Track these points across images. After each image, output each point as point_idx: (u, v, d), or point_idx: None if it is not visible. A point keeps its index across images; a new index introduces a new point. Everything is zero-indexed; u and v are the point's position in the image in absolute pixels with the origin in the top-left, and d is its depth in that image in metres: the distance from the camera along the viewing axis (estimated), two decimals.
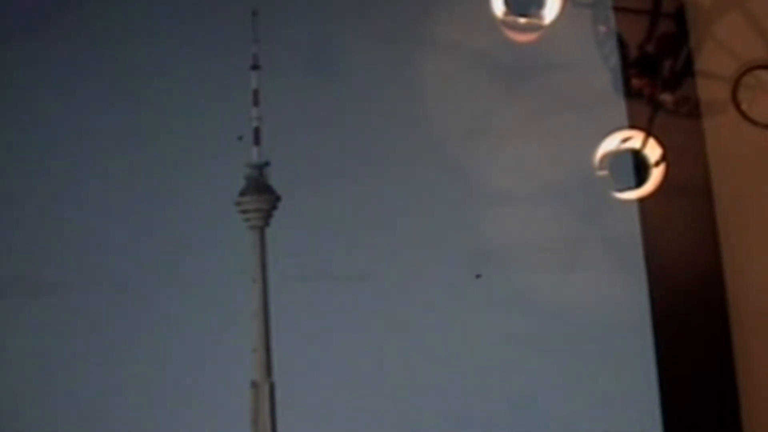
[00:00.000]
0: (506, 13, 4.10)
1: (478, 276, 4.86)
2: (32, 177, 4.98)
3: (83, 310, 4.93)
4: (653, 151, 4.10)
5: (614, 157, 4.15)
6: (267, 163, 5.24)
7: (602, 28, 4.15)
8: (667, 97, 4.16)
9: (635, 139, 4.09)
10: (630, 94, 4.22)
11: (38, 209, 4.97)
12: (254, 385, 5.18)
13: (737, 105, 4.16)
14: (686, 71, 4.16)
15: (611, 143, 4.11)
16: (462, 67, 4.55)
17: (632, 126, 4.16)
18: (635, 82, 4.14)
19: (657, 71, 4.14)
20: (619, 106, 4.20)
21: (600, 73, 4.16)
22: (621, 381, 4.68)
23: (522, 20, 4.10)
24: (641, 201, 4.31)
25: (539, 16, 4.09)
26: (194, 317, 5.00)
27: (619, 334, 4.63)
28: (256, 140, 5.24)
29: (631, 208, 4.36)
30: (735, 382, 4.28)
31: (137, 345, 4.96)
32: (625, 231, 4.45)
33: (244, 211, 5.23)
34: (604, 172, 4.12)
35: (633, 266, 4.44)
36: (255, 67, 5.16)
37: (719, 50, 4.17)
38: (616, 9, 4.18)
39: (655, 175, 4.11)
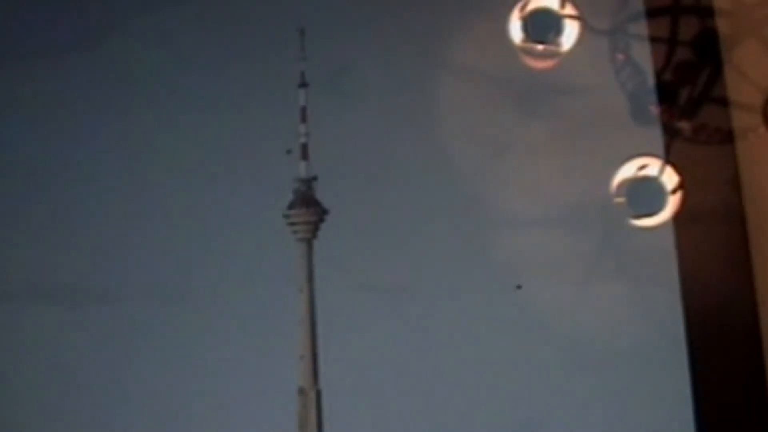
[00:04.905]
0: (524, 40, 4.16)
1: (518, 287, 4.94)
2: (81, 186, 5.17)
3: (130, 319, 5.11)
4: (671, 179, 4.13)
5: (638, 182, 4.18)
6: (315, 178, 5.38)
7: (620, 56, 4.18)
8: (684, 125, 4.18)
9: (652, 166, 4.13)
10: (653, 121, 4.26)
11: (89, 218, 5.17)
12: (301, 391, 5.32)
13: None
14: (704, 98, 4.17)
15: (628, 170, 4.15)
16: (487, 91, 4.63)
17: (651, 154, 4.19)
18: (652, 109, 4.17)
19: (675, 99, 4.17)
20: (636, 132, 4.23)
21: (618, 99, 4.21)
22: (656, 400, 4.71)
23: (540, 47, 4.16)
24: (676, 227, 4.34)
25: (557, 43, 4.15)
26: (243, 326, 5.16)
27: (654, 355, 4.66)
28: (304, 155, 5.37)
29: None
30: None
31: (185, 353, 5.13)
32: (658, 252, 4.48)
33: (292, 224, 5.38)
34: (621, 199, 4.16)
35: (666, 289, 4.48)
36: (303, 84, 5.29)
37: (745, 77, 4.17)
38: (634, 37, 4.21)
39: (672, 203, 4.14)
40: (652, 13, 4.20)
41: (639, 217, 4.16)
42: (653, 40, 4.17)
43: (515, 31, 4.15)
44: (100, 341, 5.11)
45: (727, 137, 4.14)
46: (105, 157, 5.20)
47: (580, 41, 4.12)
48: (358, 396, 5.13)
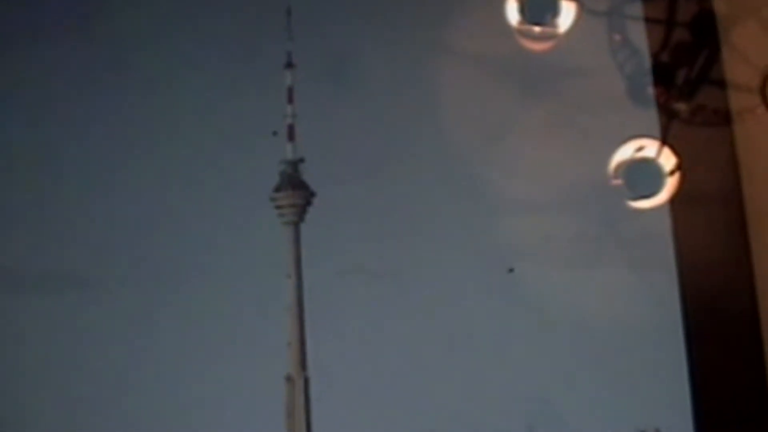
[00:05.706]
0: (521, 22, 4.12)
1: (511, 270, 4.91)
2: (64, 171, 5.11)
3: (116, 305, 5.05)
4: (668, 160, 4.10)
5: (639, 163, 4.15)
6: (301, 160, 5.31)
7: (617, 37, 4.14)
8: (682, 106, 4.15)
9: (650, 147, 4.10)
10: (650, 102, 4.23)
11: (71, 204, 5.10)
12: (289, 379, 5.26)
13: None
14: (702, 80, 4.14)
15: (625, 152, 4.11)
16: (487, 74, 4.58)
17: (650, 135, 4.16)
18: (650, 90, 4.14)
19: (672, 80, 4.13)
20: (634, 114, 4.20)
21: (615, 81, 4.17)
22: (653, 381, 4.69)
23: (537, 29, 4.12)
24: (672, 208, 4.32)
25: (554, 25, 4.11)
26: (228, 313, 5.09)
27: (651, 337, 4.64)
28: (291, 137, 5.30)
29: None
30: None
31: (172, 340, 5.07)
32: (655, 235, 4.46)
33: (278, 207, 5.30)
34: (618, 181, 4.13)
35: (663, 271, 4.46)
36: (289, 65, 5.22)
37: (742, 57, 4.14)
38: (632, 18, 4.17)
39: (670, 184, 4.11)
40: None
41: (636, 198, 4.13)
42: (650, 21, 4.13)
43: (512, 13, 4.11)
44: (84, 329, 5.05)
45: (725, 119, 4.11)
46: (89, 143, 5.13)
47: (577, 23, 4.08)
48: (347, 383, 5.08)
